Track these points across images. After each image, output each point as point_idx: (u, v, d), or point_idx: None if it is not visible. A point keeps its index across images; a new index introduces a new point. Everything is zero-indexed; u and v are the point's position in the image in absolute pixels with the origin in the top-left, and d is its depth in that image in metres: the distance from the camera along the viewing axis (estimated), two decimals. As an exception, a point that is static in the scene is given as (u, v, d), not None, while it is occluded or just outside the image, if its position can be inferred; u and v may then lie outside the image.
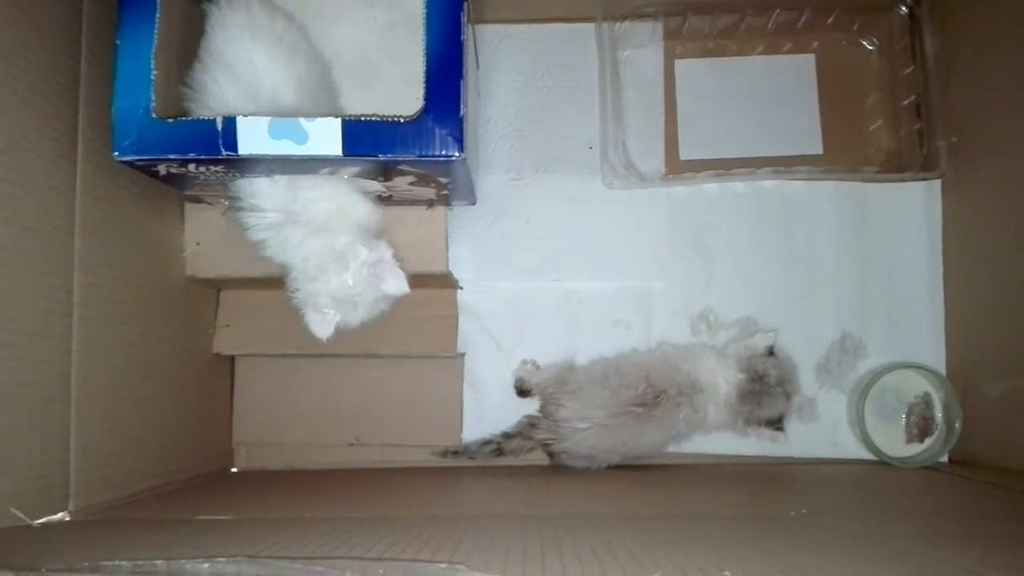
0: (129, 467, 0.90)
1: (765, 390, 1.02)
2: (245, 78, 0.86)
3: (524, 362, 1.13)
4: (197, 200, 1.03)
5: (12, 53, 0.75)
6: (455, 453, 1.10)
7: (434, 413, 1.15)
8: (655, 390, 1.01)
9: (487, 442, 1.08)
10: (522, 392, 1.12)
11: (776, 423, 1.04)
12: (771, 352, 1.05)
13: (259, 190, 0.90)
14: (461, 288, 1.15)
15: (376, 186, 0.95)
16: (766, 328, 1.09)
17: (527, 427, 1.08)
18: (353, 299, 0.92)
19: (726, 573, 0.53)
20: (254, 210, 0.91)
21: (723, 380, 1.04)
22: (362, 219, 0.94)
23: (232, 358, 1.17)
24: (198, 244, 1.05)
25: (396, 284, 0.92)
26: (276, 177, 0.90)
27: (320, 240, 0.91)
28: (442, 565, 0.54)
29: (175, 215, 1.04)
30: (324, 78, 0.94)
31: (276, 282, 0.99)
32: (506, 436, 1.08)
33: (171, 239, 1.04)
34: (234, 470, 1.17)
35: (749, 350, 1.05)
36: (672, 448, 1.09)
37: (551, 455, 1.08)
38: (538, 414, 1.08)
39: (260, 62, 0.86)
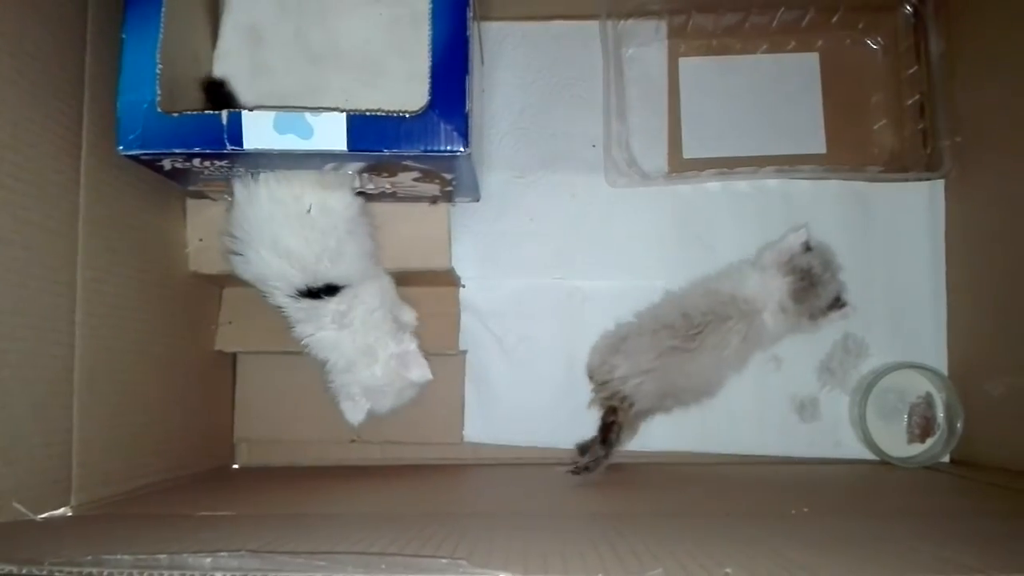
0: (131, 462, 0.90)
1: (816, 282, 1.03)
2: (286, 255, 0.92)
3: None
4: (200, 196, 1.03)
5: (18, 48, 0.75)
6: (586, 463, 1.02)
7: (435, 411, 1.15)
8: (689, 321, 1.01)
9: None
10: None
11: (837, 303, 1.05)
12: (808, 247, 1.05)
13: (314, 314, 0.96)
14: (463, 286, 1.15)
15: (380, 182, 0.95)
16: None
17: (609, 415, 1.03)
18: (382, 388, 0.99)
19: (727, 570, 0.53)
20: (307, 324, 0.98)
21: (773, 289, 1.04)
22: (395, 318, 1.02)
23: (234, 355, 1.18)
24: (200, 240, 1.05)
25: (420, 373, 1.00)
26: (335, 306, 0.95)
27: (353, 337, 0.97)
28: (444, 560, 0.54)
29: (177, 211, 1.04)
30: (359, 238, 0.98)
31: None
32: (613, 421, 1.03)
33: (174, 235, 1.04)
34: (235, 466, 1.17)
35: (785, 252, 1.05)
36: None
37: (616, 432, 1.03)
38: (602, 399, 1.05)
39: (294, 245, 0.92)
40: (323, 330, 0.97)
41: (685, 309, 1.03)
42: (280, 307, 0.97)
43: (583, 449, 1.05)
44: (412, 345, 1.00)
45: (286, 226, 0.92)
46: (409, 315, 1.07)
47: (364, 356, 0.98)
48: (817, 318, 1.05)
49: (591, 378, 1.09)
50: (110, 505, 0.83)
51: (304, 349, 0.99)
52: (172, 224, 1.04)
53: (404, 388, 1.01)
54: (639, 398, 1.02)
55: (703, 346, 1.01)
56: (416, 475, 1.09)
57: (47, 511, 0.75)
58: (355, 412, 0.99)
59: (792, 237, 1.05)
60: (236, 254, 0.95)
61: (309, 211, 0.92)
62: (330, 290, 0.95)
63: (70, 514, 0.78)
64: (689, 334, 1.01)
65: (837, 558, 0.61)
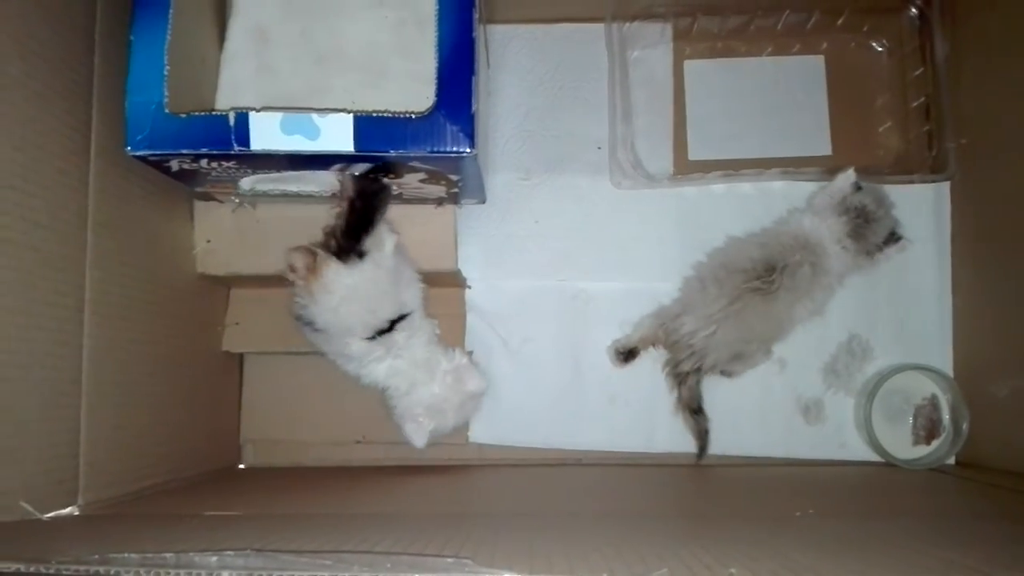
0: (138, 463, 0.91)
1: (871, 219, 1.04)
2: (371, 303, 0.97)
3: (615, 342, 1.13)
4: (207, 198, 1.04)
5: (27, 50, 0.75)
6: (701, 450, 1.10)
7: (441, 412, 1.15)
8: (766, 262, 1.03)
9: (686, 422, 1.09)
10: (629, 355, 1.11)
11: (893, 238, 1.05)
12: (858, 187, 1.05)
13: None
14: (469, 287, 1.15)
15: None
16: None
17: (672, 370, 1.08)
18: (442, 406, 1.02)
19: (732, 570, 0.53)
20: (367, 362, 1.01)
21: (831, 230, 1.05)
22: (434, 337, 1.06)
23: (241, 355, 1.18)
24: (208, 242, 1.06)
25: (476, 383, 1.04)
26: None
27: (413, 360, 1.01)
28: (449, 559, 0.54)
29: (185, 213, 1.05)
30: (407, 262, 1.02)
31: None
32: (678, 398, 1.09)
33: (181, 237, 1.04)
34: (241, 467, 1.18)
35: (836, 195, 1.05)
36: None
37: (697, 408, 1.08)
38: (668, 360, 1.10)
39: (376, 293, 0.97)
40: (386, 360, 1.00)
41: (752, 253, 1.04)
42: (344, 356, 1.00)
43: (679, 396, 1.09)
44: (464, 359, 1.04)
45: (373, 282, 0.96)
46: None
47: (422, 376, 1.01)
48: (874, 254, 1.06)
49: (622, 355, 1.11)
50: (117, 505, 0.84)
51: (361, 381, 1.02)
52: (180, 226, 1.04)
53: (464, 402, 1.04)
54: (711, 351, 1.04)
55: (781, 287, 1.03)
56: (421, 476, 1.09)
57: (54, 510, 0.76)
58: (419, 434, 1.01)
59: (841, 178, 1.06)
60: (313, 325, 0.97)
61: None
62: (398, 319, 0.98)
63: (77, 513, 0.78)
64: (767, 276, 1.02)
65: (841, 560, 0.61)
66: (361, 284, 0.95)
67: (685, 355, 1.06)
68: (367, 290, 0.95)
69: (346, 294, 0.95)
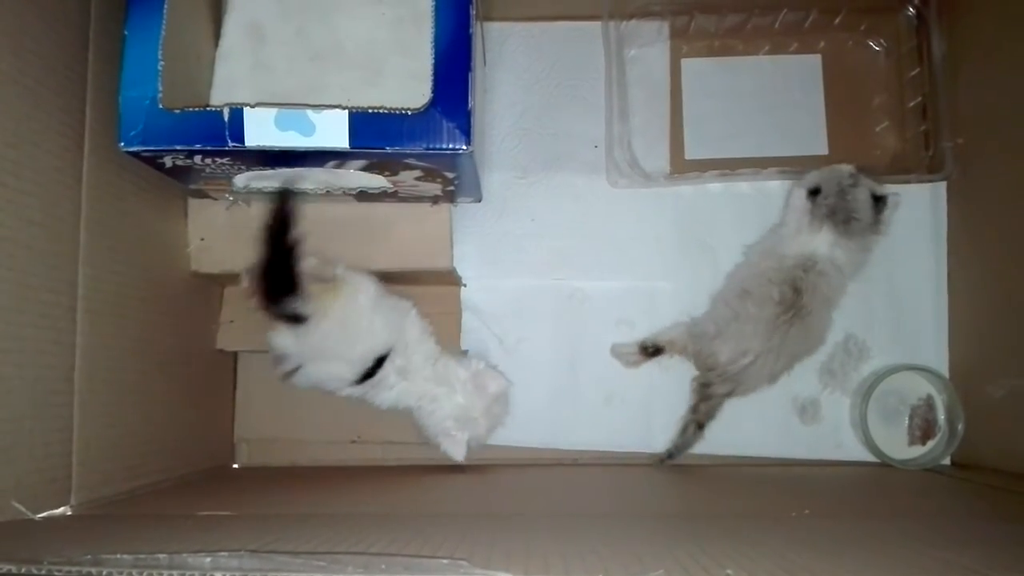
0: (131, 462, 0.90)
1: (849, 208, 1.02)
2: (338, 357, 0.97)
3: (617, 345, 1.12)
4: (201, 195, 1.03)
5: (20, 46, 0.75)
6: (670, 456, 1.09)
7: (436, 411, 1.15)
8: (792, 284, 1.01)
9: (684, 429, 1.08)
10: (656, 351, 1.10)
11: (881, 204, 1.03)
12: (815, 191, 1.03)
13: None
14: (464, 285, 1.15)
15: (381, 181, 0.95)
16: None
17: (702, 387, 1.07)
18: (470, 414, 1.02)
19: (728, 571, 0.53)
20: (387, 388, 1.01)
21: (822, 243, 1.03)
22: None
23: (235, 354, 1.17)
24: (202, 239, 1.05)
25: (497, 384, 1.04)
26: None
27: (425, 378, 1.02)
28: (444, 561, 0.54)
29: (179, 210, 1.04)
30: (384, 305, 1.01)
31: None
32: (693, 409, 1.07)
33: (175, 234, 1.04)
34: (236, 466, 1.17)
35: (802, 216, 1.03)
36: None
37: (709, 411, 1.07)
38: (700, 376, 1.08)
39: (342, 347, 0.96)
40: (393, 388, 1.00)
41: (772, 277, 1.03)
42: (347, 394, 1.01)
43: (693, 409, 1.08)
44: (481, 364, 1.05)
45: (331, 335, 0.95)
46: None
47: (442, 390, 1.02)
48: (878, 227, 1.04)
49: (648, 350, 1.10)
50: (110, 505, 0.83)
51: (386, 407, 1.03)
52: (173, 223, 1.04)
53: (491, 406, 1.03)
54: (748, 379, 1.03)
55: (812, 307, 1.02)
56: (417, 476, 1.08)
57: (47, 510, 0.75)
58: (456, 447, 1.02)
59: (794, 198, 1.05)
60: (292, 371, 0.98)
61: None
62: (379, 361, 0.98)
63: (70, 513, 0.78)
64: (798, 300, 1.01)
65: (837, 560, 0.61)
66: (317, 341, 0.95)
67: (720, 379, 1.04)
68: (328, 345, 0.96)
69: (302, 351, 0.96)
